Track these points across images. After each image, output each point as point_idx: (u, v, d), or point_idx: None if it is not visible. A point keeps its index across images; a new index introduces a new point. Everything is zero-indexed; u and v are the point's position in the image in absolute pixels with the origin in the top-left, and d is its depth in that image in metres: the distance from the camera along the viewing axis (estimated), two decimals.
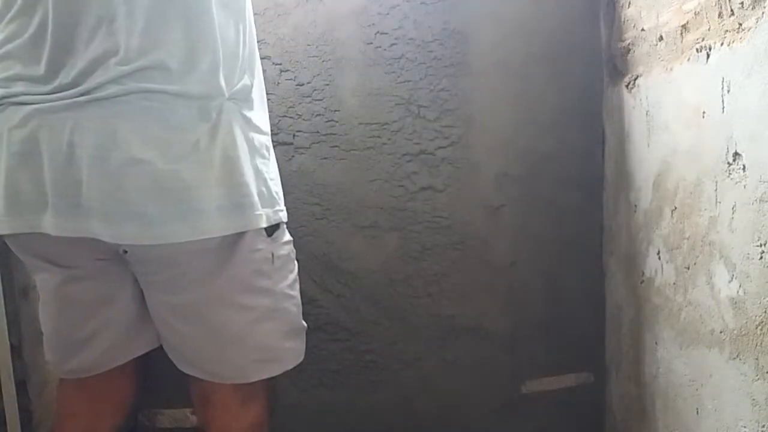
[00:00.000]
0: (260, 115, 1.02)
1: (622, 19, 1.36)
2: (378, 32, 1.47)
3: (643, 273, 1.29)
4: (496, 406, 1.56)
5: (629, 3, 1.32)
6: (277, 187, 1.02)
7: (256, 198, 0.91)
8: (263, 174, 0.96)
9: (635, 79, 1.30)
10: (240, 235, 0.91)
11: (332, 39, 1.47)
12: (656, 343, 1.23)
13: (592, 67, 1.49)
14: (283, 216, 1.01)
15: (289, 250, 1.04)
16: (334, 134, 1.48)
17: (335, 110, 1.47)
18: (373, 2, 1.46)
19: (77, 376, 1.05)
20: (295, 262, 1.08)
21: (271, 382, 1.06)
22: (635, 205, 1.32)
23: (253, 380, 1.00)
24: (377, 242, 1.51)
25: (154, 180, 0.83)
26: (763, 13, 0.85)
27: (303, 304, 1.50)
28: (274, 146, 1.46)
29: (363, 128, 1.48)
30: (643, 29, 1.25)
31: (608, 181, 1.49)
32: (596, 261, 1.54)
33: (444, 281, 1.53)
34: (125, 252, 0.91)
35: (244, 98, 0.95)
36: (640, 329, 1.31)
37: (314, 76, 1.47)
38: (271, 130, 1.46)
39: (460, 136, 1.50)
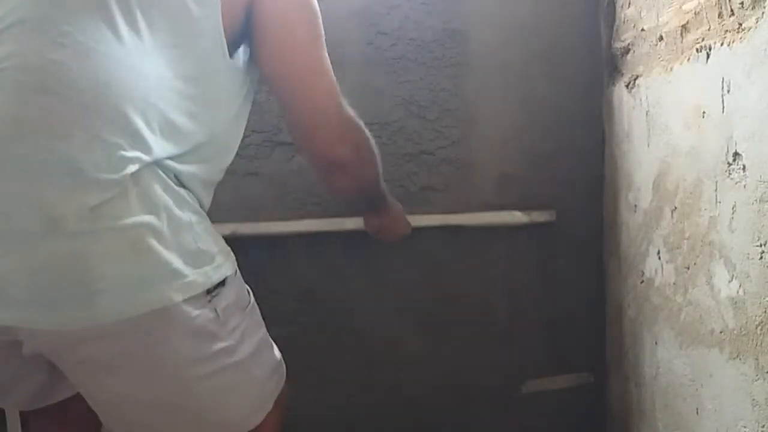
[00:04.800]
0: (209, 168, 0.89)
1: (622, 19, 1.37)
2: (378, 32, 1.46)
3: (643, 273, 1.29)
4: (496, 406, 1.56)
5: (629, 3, 1.33)
6: (214, 235, 0.86)
7: (186, 261, 0.77)
8: (196, 227, 0.81)
9: (635, 79, 1.30)
10: (166, 309, 0.76)
11: (332, 39, 1.45)
12: (656, 343, 1.23)
13: (592, 67, 1.49)
14: (229, 267, 0.85)
15: (236, 289, 0.87)
16: None
17: None
18: (373, 2, 1.46)
19: (21, 409, 0.96)
20: (248, 293, 0.91)
21: (278, 405, 0.96)
22: (635, 205, 1.32)
23: (251, 427, 0.89)
24: (377, 242, 1.51)
25: (44, 259, 0.69)
26: (763, 13, 0.85)
27: (303, 300, 1.51)
28: (274, 146, 1.47)
29: None
30: (643, 29, 1.25)
31: (608, 181, 1.49)
32: (596, 261, 1.54)
33: (444, 281, 1.53)
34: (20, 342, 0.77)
35: (179, 172, 0.82)
36: (640, 329, 1.31)
37: None
38: (271, 130, 1.47)
39: (460, 136, 1.50)
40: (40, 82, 0.71)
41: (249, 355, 0.87)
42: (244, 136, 1.46)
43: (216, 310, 0.82)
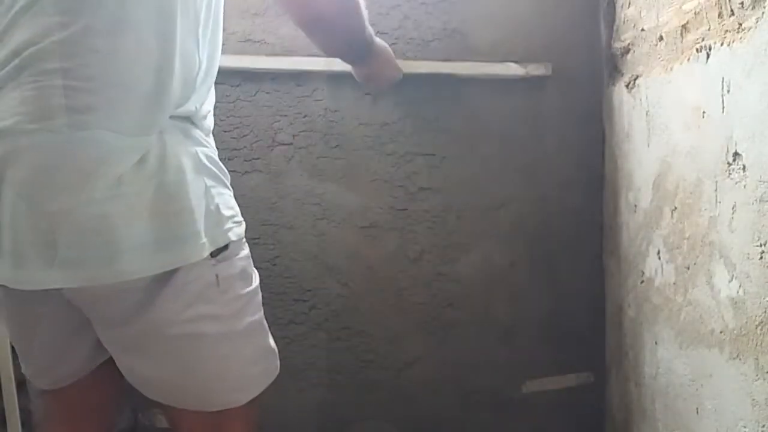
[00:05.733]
0: (208, 123, 0.93)
1: (622, 19, 1.36)
2: (378, 32, 1.46)
3: (643, 273, 1.29)
4: (496, 406, 1.56)
5: (629, 3, 1.32)
6: (227, 200, 0.90)
7: (199, 224, 0.81)
8: (211, 190, 0.85)
9: (635, 79, 1.30)
10: (174, 270, 0.81)
11: None
12: (656, 343, 1.23)
13: (592, 67, 1.49)
14: (235, 234, 0.88)
15: (242, 266, 0.91)
16: (335, 134, 1.48)
17: (335, 110, 1.47)
18: (373, 2, 1.46)
19: (56, 387, 0.99)
20: (253, 274, 0.94)
21: (254, 409, 0.94)
22: (635, 205, 1.32)
23: (218, 409, 0.90)
24: (377, 242, 1.51)
25: (75, 224, 0.74)
26: (763, 13, 0.85)
27: (303, 301, 1.51)
28: (274, 146, 1.47)
29: (363, 128, 1.48)
30: (643, 29, 1.25)
31: (608, 181, 1.49)
32: (596, 261, 1.54)
33: (444, 281, 1.53)
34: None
35: (192, 113, 0.87)
36: (640, 329, 1.31)
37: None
38: (271, 130, 1.47)
39: (460, 136, 1.50)
40: (54, 65, 0.74)
41: (241, 331, 0.89)
42: (242, 135, 1.47)
43: (217, 277, 0.85)
